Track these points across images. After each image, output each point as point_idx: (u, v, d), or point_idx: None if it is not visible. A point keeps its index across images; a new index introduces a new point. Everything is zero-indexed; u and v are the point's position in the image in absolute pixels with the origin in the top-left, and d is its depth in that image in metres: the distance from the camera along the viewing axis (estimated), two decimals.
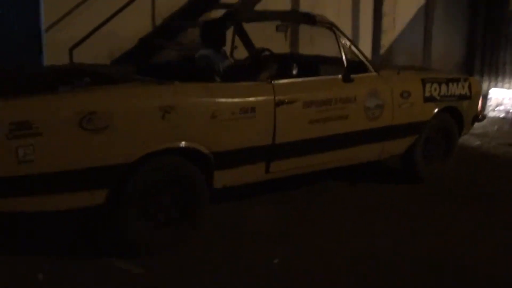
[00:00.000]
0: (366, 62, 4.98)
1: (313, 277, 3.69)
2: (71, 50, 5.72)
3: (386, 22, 8.58)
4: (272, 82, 4.34)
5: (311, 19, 4.83)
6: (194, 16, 6.80)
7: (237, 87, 4.24)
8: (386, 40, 8.68)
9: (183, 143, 3.89)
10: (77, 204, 3.66)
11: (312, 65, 5.07)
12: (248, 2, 6.67)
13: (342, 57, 4.76)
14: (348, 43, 4.89)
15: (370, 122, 4.85)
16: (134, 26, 6.39)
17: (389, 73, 5.15)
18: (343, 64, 4.74)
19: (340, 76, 4.72)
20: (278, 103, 4.28)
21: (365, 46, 7.89)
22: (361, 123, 4.80)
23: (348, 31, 7.36)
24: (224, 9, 6.26)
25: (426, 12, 8.40)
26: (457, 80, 5.51)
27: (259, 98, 4.23)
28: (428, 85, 5.23)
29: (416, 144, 5.30)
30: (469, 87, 5.60)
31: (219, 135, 4.05)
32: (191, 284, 3.60)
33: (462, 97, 5.53)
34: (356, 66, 4.86)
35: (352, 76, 4.74)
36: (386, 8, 8.51)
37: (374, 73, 4.95)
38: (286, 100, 4.32)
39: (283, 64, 4.61)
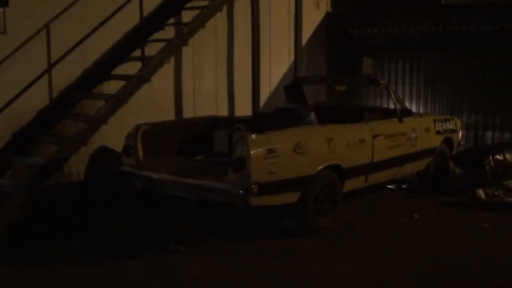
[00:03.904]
0: (407, 110, 8.41)
1: None
2: None
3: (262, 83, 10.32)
4: (368, 123, 7.62)
5: (376, 83, 8.24)
6: (89, 87, 8.12)
7: (355, 127, 7.45)
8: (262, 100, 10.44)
9: (336, 161, 6.97)
10: (287, 201, 6.56)
11: (375, 112, 8.41)
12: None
13: (396, 106, 8.15)
14: (398, 97, 8.33)
15: (412, 148, 8.21)
16: (32, 98, 7.38)
17: (416, 116, 8.62)
18: (397, 111, 8.11)
19: (396, 119, 8.09)
20: (374, 136, 7.54)
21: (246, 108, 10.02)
22: (408, 149, 8.14)
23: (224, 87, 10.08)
24: (118, 80, 7.84)
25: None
26: (449, 120, 9.12)
27: (366, 133, 7.45)
28: (437, 123, 8.75)
29: (431, 162, 8.79)
30: (455, 124, 9.21)
31: (349, 157, 7.17)
32: None
33: (452, 131, 9.12)
34: (402, 111, 8.25)
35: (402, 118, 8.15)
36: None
37: (412, 117, 8.37)
38: (378, 134, 7.58)
39: (359, 112, 7.94)
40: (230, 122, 7.78)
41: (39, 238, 6.55)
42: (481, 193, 8.41)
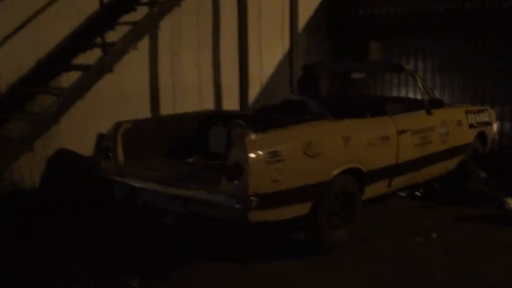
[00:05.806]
0: (437, 100, 7.23)
1: None
2: None
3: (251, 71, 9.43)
4: (392, 117, 6.42)
5: (400, 69, 7.07)
6: (43, 81, 7.20)
7: (377, 122, 6.26)
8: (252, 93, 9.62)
9: (354, 164, 5.79)
10: (294, 215, 5.37)
11: (399, 103, 7.24)
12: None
13: (423, 96, 7.01)
14: (426, 85, 7.15)
15: (443, 144, 7.06)
16: None
17: (446, 107, 7.43)
18: (424, 102, 6.95)
19: (424, 111, 6.91)
20: (400, 132, 6.35)
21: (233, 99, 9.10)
22: (439, 146, 6.99)
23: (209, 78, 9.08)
24: (76, 70, 6.95)
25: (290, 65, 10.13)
26: (483, 111, 7.97)
27: (389, 129, 6.27)
28: (470, 115, 7.60)
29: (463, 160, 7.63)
30: (489, 115, 8.07)
31: (370, 158, 5.99)
32: None
33: (487, 124, 7.98)
34: (431, 102, 7.08)
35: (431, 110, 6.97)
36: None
37: (442, 108, 7.19)
38: (404, 130, 6.40)
39: (380, 104, 6.75)
40: (229, 117, 6.74)
41: None
42: (510, 203, 7.21)
